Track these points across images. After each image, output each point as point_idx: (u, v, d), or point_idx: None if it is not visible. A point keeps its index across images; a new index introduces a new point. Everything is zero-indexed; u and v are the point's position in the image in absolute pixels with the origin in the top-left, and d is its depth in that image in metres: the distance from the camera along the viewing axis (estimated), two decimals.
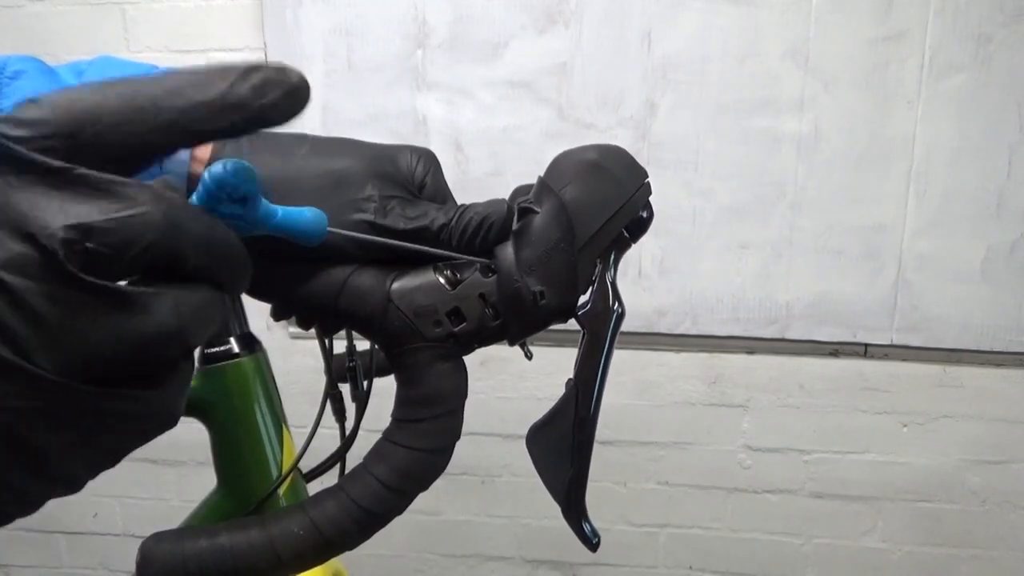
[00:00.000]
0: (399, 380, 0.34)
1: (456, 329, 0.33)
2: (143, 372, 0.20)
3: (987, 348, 1.27)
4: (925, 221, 1.24)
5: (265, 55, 1.30)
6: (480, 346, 0.35)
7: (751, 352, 1.33)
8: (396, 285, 0.33)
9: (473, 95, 1.27)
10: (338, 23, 1.27)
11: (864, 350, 1.31)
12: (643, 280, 1.30)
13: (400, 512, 0.33)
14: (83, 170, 0.18)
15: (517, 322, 0.34)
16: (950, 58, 1.19)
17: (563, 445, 0.36)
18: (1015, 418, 1.31)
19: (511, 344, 0.35)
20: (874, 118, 1.21)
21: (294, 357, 1.37)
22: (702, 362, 1.35)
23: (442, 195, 0.35)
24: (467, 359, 0.35)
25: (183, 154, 0.34)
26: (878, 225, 1.25)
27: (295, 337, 1.39)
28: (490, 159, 1.29)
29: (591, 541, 0.36)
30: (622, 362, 1.35)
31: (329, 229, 0.28)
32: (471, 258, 0.34)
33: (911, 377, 1.31)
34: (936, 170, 1.22)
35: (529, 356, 0.38)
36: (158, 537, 0.30)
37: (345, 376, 0.51)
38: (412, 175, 0.34)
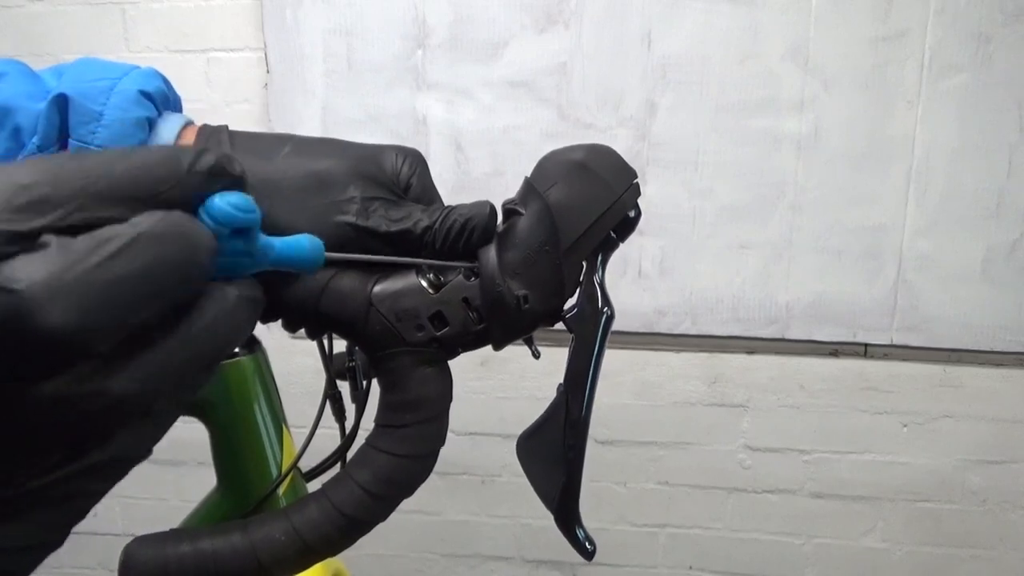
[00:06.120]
0: (382, 385, 0.34)
1: (439, 333, 0.32)
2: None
3: (987, 348, 1.27)
4: (925, 221, 1.24)
5: (265, 55, 1.30)
6: (464, 350, 0.34)
7: (751, 352, 1.33)
8: (378, 288, 0.32)
9: (473, 95, 1.27)
10: (338, 23, 1.27)
11: (864, 350, 1.31)
12: (643, 280, 1.30)
13: (384, 518, 0.33)
14: None
15: (500, 327, 0.33)
16: (950, 58, 1.19)
17: (555, 451, 0.35)
18: (1015, 418, 1.31)
19: (496, 349, 0.35)
20: (874, 118, 1.21)
21: (294, 357, 1.37)
22: (702, 362, 1.35)
23: (428, 196, 0.34)
24: (467, 358, 0.34)
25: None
26: (878, 225, 1.25)
27: (295, 337, 1.39)
28: (490, 159, 1.29)
29: (586, 549, 0.36)
30: (622, 362, 1.34)
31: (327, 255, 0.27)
32: (453, 263, 0.33)
33: (911, 377, 1.31)
34: (936, 170, 1.22)
35: (536, 355, 0.38)
36: (141, 540, 0.30)
37: (345, 375, 0.51)
38: (397, 176, 0.33)
